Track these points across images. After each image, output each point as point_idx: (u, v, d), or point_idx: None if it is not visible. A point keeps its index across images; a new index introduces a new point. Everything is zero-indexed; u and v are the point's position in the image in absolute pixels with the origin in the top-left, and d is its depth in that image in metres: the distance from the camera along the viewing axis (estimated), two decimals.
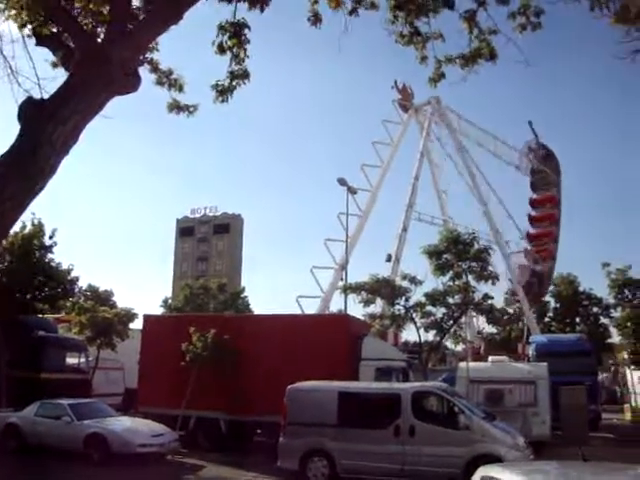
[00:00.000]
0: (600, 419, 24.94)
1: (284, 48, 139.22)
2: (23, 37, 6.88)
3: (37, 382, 20.03)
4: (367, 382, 16.93)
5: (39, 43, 6.81)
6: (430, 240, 25.12)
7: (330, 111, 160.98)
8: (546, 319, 46.83)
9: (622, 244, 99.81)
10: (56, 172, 5.78)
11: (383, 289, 24.66)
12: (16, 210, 5.58)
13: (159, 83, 8.08)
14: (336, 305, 39.42)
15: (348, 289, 25.71)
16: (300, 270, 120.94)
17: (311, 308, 37.68)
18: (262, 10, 7.03)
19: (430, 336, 25.91)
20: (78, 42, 6.48)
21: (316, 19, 7.40)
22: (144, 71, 7.50)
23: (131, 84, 6.38)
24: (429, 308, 24.28)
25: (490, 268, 24.11)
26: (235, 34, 7.08)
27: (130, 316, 25.71)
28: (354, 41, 8.02)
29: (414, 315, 24.41)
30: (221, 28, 7.07)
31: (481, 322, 36.96)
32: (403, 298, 24.50)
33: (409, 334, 32.40)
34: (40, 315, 24.58)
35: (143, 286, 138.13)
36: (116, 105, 6.46)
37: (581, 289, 44.05)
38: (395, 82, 52.94)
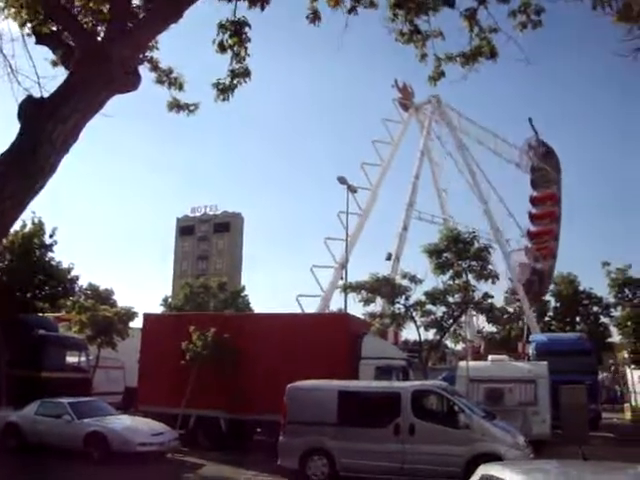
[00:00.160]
0: (600, 418, 24.96)
1: (284, 46, 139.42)
2: (23, 36, 6.88)
3: (37, 381, 20.02)
4: (367, 381, 16.94)
5: (39, 42, 6.80)
6: (430, 239, 25.14)
7: (330, 109, 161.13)
8: (546, 318, 46.78)
9: (622, 243, 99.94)
10: (56, 171, 5.78)
11: (383, 288, 24.66)
12: (16, 209, 5.57)
13: (159, 82, 8.06)
14: (336, 304, 39.42)
15: (348, 288, 25.71)
16: (300, 269, 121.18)
17: (311, 307, 37.72)
18: (262, 9, 7.02)
19: (430, 335, 25.93)
20: (78, 41, 6.47)
21: (315, 17, 7.38)
22: (144, 70, 7.49)
23: (131, 83, 6.37)
24: (429, 307, 24.29)
25: (490, 267, 24.11)
26: (236, 32, 7.07)
27: (130, 315, 25.71)
28: (354, 39, 8.02)
29: (414, 314, 24.41)
30: (221, 27, 7.06)
31: (481, 321, 37.07)
32: (403, 297, 24.50)
33: (409, 333, 32.43)
34: (40, 314, 24.57)
35: (143, 285, 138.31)
36: (116, 104, 6.46)
37: (581, 288, 44.00)
38: (395, 81, 52.97)
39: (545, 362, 20.46)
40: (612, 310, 36.02)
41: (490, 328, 46.53)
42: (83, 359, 23.47)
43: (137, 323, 24.53)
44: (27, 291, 24.08)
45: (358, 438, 13.57)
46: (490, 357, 24.25)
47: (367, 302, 25.13)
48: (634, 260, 34.72)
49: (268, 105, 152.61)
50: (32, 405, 17.15)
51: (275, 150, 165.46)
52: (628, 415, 27.82)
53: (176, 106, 8.06)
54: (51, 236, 24.80)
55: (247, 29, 7.10)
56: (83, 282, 40.32)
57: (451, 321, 24.42)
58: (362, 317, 24.48)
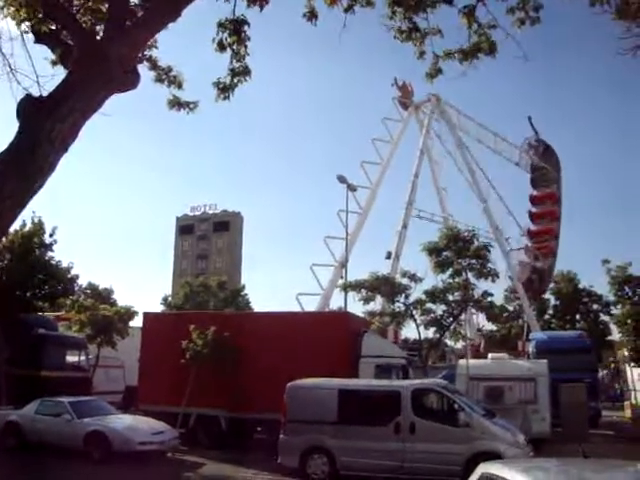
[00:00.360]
0: (600, 416, 24.99)
1: (283, 45, 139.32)
2: (22, 35, 6.86)
3: (37, 380, 20.04)
4: (367, 379, 16.94)
5: (38, 41, 6.78)
6: (430, 237, 25.19)
7: (329, 108, 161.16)
8: (546, 316, 46.83)
9: (622, 241, 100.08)
10: (55, 170, 5.77)
11: (383, 286, 24.67)
12: (15, 208, 5.56)
13: (158, 80, 8.05)
14: (336, 302, 39.47)
15: (348, 286, 25.72)
16: (300, 267, 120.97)
17: (311, 305, 37.76)
18: (261, 8, 7.02)
19: (430, 333, 25.94)
20: (77, 40, 6.45)
21: (312, 15, 7.36)
22: (143, 69, 7.49)
23: (130, 81, 6.36)
24: (429, 305, 24.31)
25: (490, 265, 24.13)
26: (235, 31, 7.06)
27: (130, 314, 25.73)
28: (353, 38, 8.01)
29: (414, 312, 24.43)
30: (221, 25, 7.05)
31: (481, 319, 37.07)
32: (403, 295, 24.52)
33: (409, 331, 32.43)
34: (40, 313, 24.61)
35: (143, 284, 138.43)
36: (115, 103, 6.45)
37: (581, 286, 44.05)
38: (395, 79, 52.97)
39: (545, 360, 20.48)
40: (612, 308, 36.05)
41: (490, 326, 46.65)
42: (83, 358, 23.49)
43: (137, 322, 24.57)
44: (27, 290, 24.10)
45: (358, 436, 13.58)
46: (490, 355, 24.26)
47: (367, 301, 25.16)
48: (634, 258, 34.76)
49: (267, 104, 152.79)
50: (32, 404, 17.15)
51: (274, 149, 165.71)
52: (628, 413, 27.84)
53: (176, 104, 8.04)
54: (51, 235, 24.84)
55: (246, 28, 7.09)
56: (83, 281, 40.44)
57: (451, 319, 24.43)
58: (362, 315, 24.47)
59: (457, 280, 23.74)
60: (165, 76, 8.02)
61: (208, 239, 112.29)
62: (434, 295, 24.00)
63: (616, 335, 33.00)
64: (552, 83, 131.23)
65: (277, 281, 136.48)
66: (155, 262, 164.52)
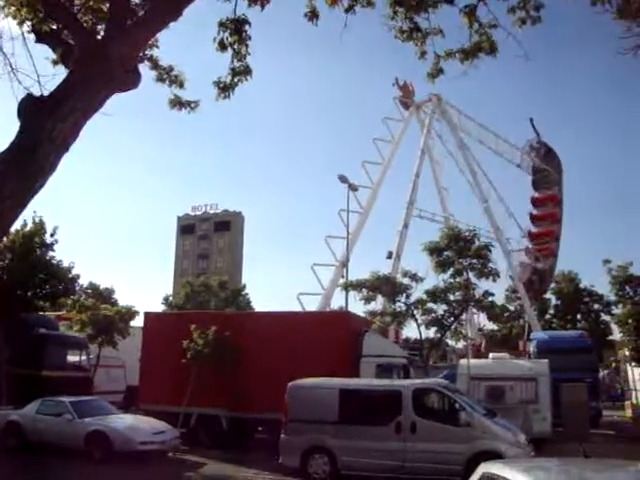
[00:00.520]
0: (601, 416, 24.97)
1: (284, 45, 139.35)
2: (23, 34, 6.87)
3: (38, 380, 20.04)
4: (368, 379, 16.93)
5: (39, 40, 6.79)
6: (431, 237, 25.18)
7: (330, 108, 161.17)
8: (547, 316, 46.81)
9: (623, 241, 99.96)
10: (56, 169, 5.77)
11: (384, 286, 24.68)
12: (16, 208, 5.56)
13: (160, 80, 8.05)
14: (337, 302, 39.50)
15: (349, 286, 25.72)
16: (301, 267, 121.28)
17: (312, 305, 37.78)
18: (262, 7, 7.02)
19: (431, 333, 25.95)
20: (78, 39, 6.46)
21: (313, 15, 7.36)
22: (144, 68, 7.49)
23: (131, 81, 6.36)
24: (430, 305, 24.31)
25: (491, 265, 24.12)
26: (236, 31, 7.06)
27: (131, 314, 25.74)
28: (354, 38, 8.00)
29: (415, 312, 24.43)
30: (221, 25, 7.05)
31: (482, 319, 37.03)
32: (404, 295, 24.53)
33: (410, 331, 32.37)
34: (41, 313, 24.58)
35: (144, 284, 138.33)
36: (116, 102, 6.46)
37: (582, 286, 44.02)
38: (396, 79, 52.98)
39: (546, 360, 20.47)
40: (613, 308, 36.03)
41: (491, 326, 46.62)
42: (84, 358, 23.49)
43: (138, 322, 24.58)
44: (28, 290, 24.07)
45: (359, 436, 13.57)
46: (491, 355, 24.25)
47: (368, 300, 25.17)
48: (635, 257, 34.75)
49: (268, 104, 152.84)
50: (33, 404, 17.15)
51: (275, 149, 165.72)
52: (629, 413, 27.83)
53: (177, 103, 8.04)
54: (52, 235, 24.79)
55: (247, 27, 7.09)
56: (84, 281, 40.50)
57: (452, 319, 24.43)
58: (363, 315, 24.47)
59: (458, 280, 23.74)
60: (166, 76, 8.02)
61: (209, 239, 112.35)
62: (435, 295, 24.01)
63: (617, 335, 33.02)
64: (553, 83, 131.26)
65: (278, 281, 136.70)
66: (156, 262, 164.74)
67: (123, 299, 61.18)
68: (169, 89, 8.03)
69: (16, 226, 22.27)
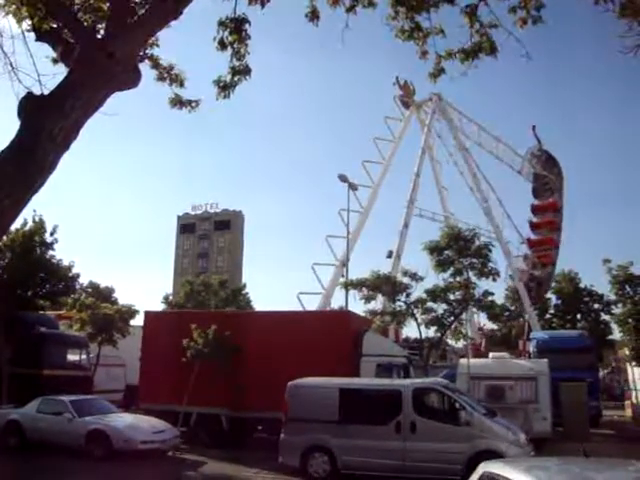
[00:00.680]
0: (601, 415, 24.97)
1: (285, 44, 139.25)
2: (23, 33, 6.86)
3: (38, 378, 20.06)
4: (368, 378, 16.94)
5: (39, 38, 6.78)
6: (431, 236, 25.17)
7: (331, 107, 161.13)
8: (547, 315, 46.73)
9: (624, 241, 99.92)
10: (56, 168, 5.77)
11: (384, 285, 24.68)
12: (16, 207, 5.55)
13: (160, 79, 8.04)
14: (337, 301, 39.47)
15: (349, 285, 25.73)
16: (301, 266, 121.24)
17: (312, 304, 37.79)
18: (263, 6, 7.01)
19: (431, 332, 25.97)
20: (78, 38, 6.45)
21: (314, 15, 7.35)
22: (144, 67, 7.48)
23: (131, 80, 6.36)
24: (430, 304, 24.32)
25: (491, 264, 24.11)
26: (236, 30, 7.05)
27: (131, 313, 25.74)
28: (354, 37, 7.99)
29: (415, 311, 24.44)
30: (221, 24, 7.04)
31: (482, 318, 37.06)
32: (404, 294, 24.54)
33: (410, 330, 32.40)
34: (41, 312, 24.59)
35: (144, 283, 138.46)
36: (117, 101, 6.45)
37: (582, 286, 43.96)
38: (396, 78, 52.96)
39: (546, 359, 20.46)
40: (613, 307, 35.97)
41: (491, 325, 46.59)
42: (84, 357, 23.49)
43: (138, 321, 24.58)
44: (28, 289, 24.08)
45: (359, 435, 13.57)
46: (491, 354, 24.26)
47: (368, 299, 25.17)
48: (635, 257, 34.71)
49: (269, 103, 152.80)
50: (33, 403, 17.16)
51: (276, 148, 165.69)
52: (629, 412, 27.83)
53: (178, 102, 8.03)
54: (52, 234, 24.79)
55: (247, 26, 7.08)
56: (84, 280, 40.37)
57: (452, 318, 24.43)
58: (363, 314, 24.47)
59: (458, 279, 23.75)
60: (166, 75, 8.01)
61: (209, 238, 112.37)
62: (435, 294, 24.01)
63: (617, 335, 33.01)
64: (554, 82, 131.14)
65: (278, 280, 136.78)
66: (156, 261, 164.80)
67: (123, 298, 61.21)
68: (169, 88, 8.03)
69: (16, 225, 22.28)
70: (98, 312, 24.18)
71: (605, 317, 41.02)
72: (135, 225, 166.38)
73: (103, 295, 41.81)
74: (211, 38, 7.15)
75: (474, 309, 26.41)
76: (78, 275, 26.75)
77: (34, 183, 5.56)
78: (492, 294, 25.08)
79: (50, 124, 5.55)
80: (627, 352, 26.68)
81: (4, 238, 20.26)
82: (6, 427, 17.03)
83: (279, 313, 20.83)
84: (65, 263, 25.83)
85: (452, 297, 24.07)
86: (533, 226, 57.16)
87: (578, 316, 43.02)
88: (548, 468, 5.50)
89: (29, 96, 5.85)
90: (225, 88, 7.36)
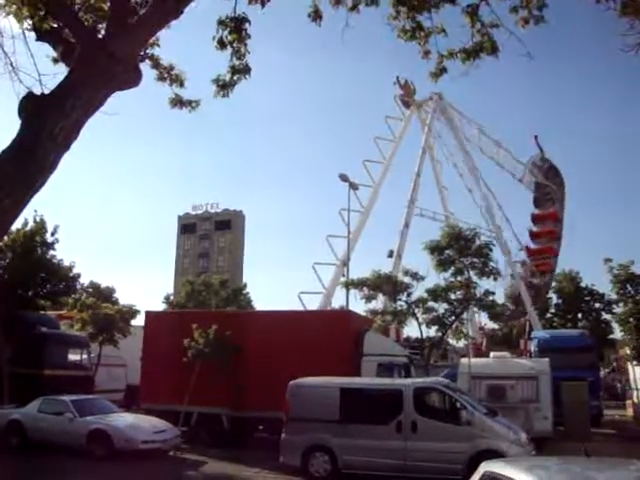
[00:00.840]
0: (602, 415, 24.95)
1: (285, 43, 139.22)
2: (24, 33, 6.87)
3: (40, 378, 20.07)
4: (369, 378, 16.92)
5: (39, 38, 6.78)
6: (432, 236, 25.13)
7: (331, 107, 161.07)
8: (548, 315, 46.72)
9: (625, 240, 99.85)
10: (57, 168, 5.77)
11: (385, 285, 24.66)
12: (16, 207, 5.56)
13: (160, 79, 8.05)
14: (338, 301, 39.48)
15: (350, 285, 25.71)
16: (302, 266, 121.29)
17: (313, 304, 37.81)
18: (263, 5, 7.01)
19: (432, 332, 25.93)
20: (79, 37, 6.45)
21: (316, 15, 7.35)
22: (145, 67, 7.48)
23: (132, 79, 6.36)
24: (431, 304, 24.28)
25: (492, 264, 24.09)
26: (235, 29, 7.05)
27: (132, 313, 25.76)
28: (355, 36, 7.99)
29: (416, 311, 24.41)
30: (221, 23, 7.04)
31: (483, 318, 37.03)
32: (405, 294, 24.51)
33: (411, 330, 32.37)
34: (42, 312, 24.61)
35: (145, 283, 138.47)
36: (117, 101, 6.45)
37: (583, 285, 43.93)
38: (397, 78, 53.01)
39: (547, 359, 20.43)
40: (614, 307, 35.94)
41: (492, 325, 46.58)
42: (85, 357, 23.51)
43: (139, 321, 24.59)
44: (29, 289, 24.10)
45: (360, 435, 13.56)
46: (492, 354, 24.23)
47: (369, 299, 25.14)
48: (637, 256, 34.67)
49: (269, 102, 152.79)
50: (34, 403, 17.16)
51: (276, 147, 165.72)
52: (630, 411, 27.80)
53: (178, 102, 8.05)
54: (53, 234, 24.82)
55: (247, 25, 7.08)
56: (85, 280, 40.38)
57: (453, 318, 24.39)
58: (364, 314, 24.46)
59: (459, 279, 23.72)
60: (167, 75, 8.02)
61: (210, 238, 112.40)
62: (436, 294, 23.98)
63: (618, 334, 32.98)
64: (554, 81, 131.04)
65: (279, 280, 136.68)
66: (157, 261, 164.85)
67: (124, 298, 61.22)
68: (170, 88, 8.03)
69: (17, 225, 22.31)
70: (99, 312, 24.20)
71: (606, 316, 40.99)
72: (136, 225, 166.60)
73: (104, 295, 41.83)
74: (211, 37, 7.15)
75: (475, 308, 26.38)
76: (79, 275, 26.81)
77: (35, 183, 5.57)
78: (493, 293, 25.08)
79: (51, 124, 5.55)
80: (628, 351, 26.66)
81: (5, 238, 20.28)
82: (7, 427, 17.04)
83: (280, 313, 20.82)
84: (66, 263, 25.88)
85: (453, 296, 24.04)
86: (533, 235, 56.97)
87: (579, 315, 42.99)
88: (549, 467, 5.49)
89: (30, 96, 5.85)
90: (224, 87, 7.36)
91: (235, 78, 7.33)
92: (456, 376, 20.17)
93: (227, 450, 17.12)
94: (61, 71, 6.50)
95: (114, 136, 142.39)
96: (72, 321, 25.11)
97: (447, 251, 23.86)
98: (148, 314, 21.87)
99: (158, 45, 7.88)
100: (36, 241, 24.32)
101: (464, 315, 25.42)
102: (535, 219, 57.73)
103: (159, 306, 51.20)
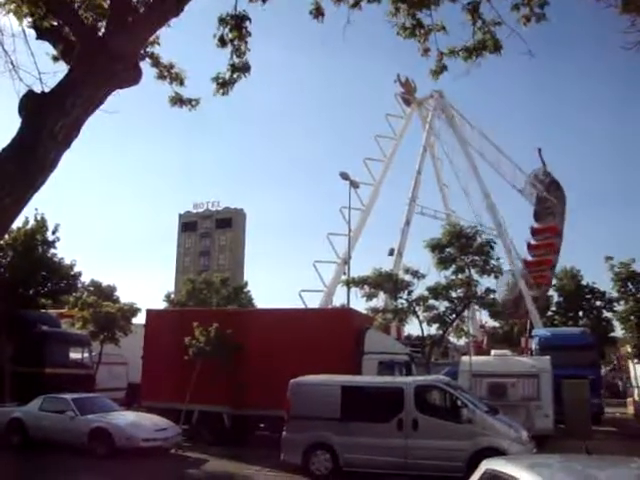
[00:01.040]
0: (603, 413, 24.95)
1: (285, 41, 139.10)
2: (24, 31, 6.86)
3: (41, 377, 20.11)
4: (370, 376, 16.93)
5: (39, 37, 6.78)
6: (433, 234, 25.10)
7: (331, 105, 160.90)
8: (549, 313, 46.75)
9: (626, 238, 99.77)
10: (57, 166, 5.77)
11: (386, 283, 24.64)
12: (17, 205, 5.56)
13: (160, 77, 8.04)
14: (339, 299, 39.53)
15: (351, 283, 25.70)
16: (303, 264, 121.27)
17: (314, 302, 37.81)
18: (264, 2, 7.00)
19: (433, 330, 25.89)
20: (79, 35, 6.45)
21: (318, 12, 7.34)
22: (145, 65, 7.48)
23: (132, 77, 6.36)
24: (432, 302, 24.26)
25: (493, 262, 24.06)
26: (236, 26, 7.05)
27: (133, 311, 25.76)
28: (356, 34, 7.97)
29: (417, 309, 24.39)
30: (222, 21, 7.04)
31: (484, 316, 37.01)
32: (406, 292, 24.49)
33: (412, 328, 32.39)
34: (43, 310, 24.63)
35: (146, 281, 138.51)
36: (117, 99, 6.45)
37: (584, 283, 43.97)
38: (398, 76, 52.98)
39: (548, 357, 20.41)
40: (615, 304, 35.97)
41: (493, 323, 46.59)
42: (86, 355, 23.53)
43: (140, 319, 24.60)
44: (30, 287, 24.14)
45: (361, 433, 13.57)
46: (493, 352, 24.22)
47: (370, 297, 25.13)
48: (638, 254, 34.71)
49: (269, 100, 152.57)
50: (36, 401, 17.18)
51: (277, 145, 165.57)
52: (631, 409, 27.80)
53: (178, 101, 8.04)
54: (54, 232, 24.86)
55: (247, 23, 7.08)
56: (86, 278, 40.54)
57: (454, 316, 24.38)
58: (365, 312, 24.45)
59: (460, 277, 23.71)
60: (167, 73, 8.01)
61: (211, 236, 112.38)
62: (437, 292, 23.96)
63: (619, 332, 33.01)
64: (554, 81, 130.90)
65: (280, 278, 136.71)
66: (158, 259, 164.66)
67: (125, 296, 61.34)
68: (170, 86, 8.03)
69: (17, 223, 22.35)
70: (100, 310, 24.21)
71: (607, 314, 41.05)
72: (136, 223, 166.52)
73: (105, 293, 41.94)
74: (211, 36, 7.15)
75: (476, 306, 26.34)
76: (80, 273, 26.88)
77: (35, 181, 5.56)
78: (494, 292, 25.07)
79: (51, 122, 5.55)
80: (629, 349, 26.68)
81: (6, 236, 20.29)
82: (9, 425, 17.06)
83: (281, 311, 20.83)
84: (67, 261, 25.95)
85: (454, 294, 24.02)
86: (530, 247, 56.77)
87: (580, 313, 43.03)
88: (550, 465, 5.48)
89: (30, 94, 5.85)
90: (224, 85, 7.36)
91: (235, 76, 7.33)
92: (457, 374, 20.15)
93: (228, 448, 17.13)
94: (61, 69, 6.51)
95: (114, 134, 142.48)
96: (73, 319, 25.11)
97: (448, 249, 23.84)
98: (149, 312, 21.89)
99: (158, 43, 7.88)
100: (37, 239, 24.35)
101: (465, 313, 25.41)
102: (534, 232, 57.50)
103: (160, 304, 51.25)
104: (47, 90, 5.93)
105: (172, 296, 54.63)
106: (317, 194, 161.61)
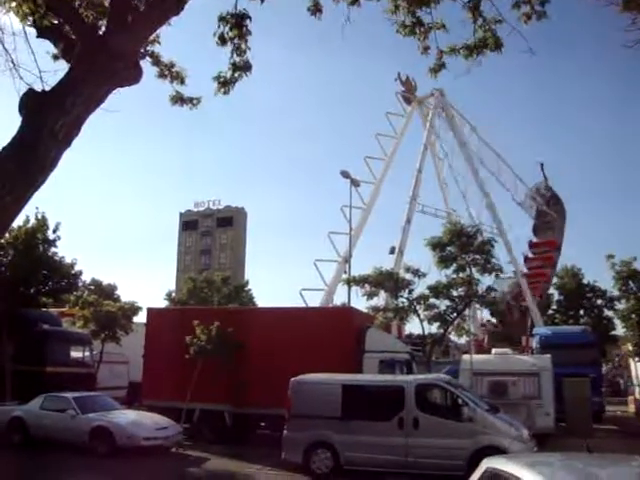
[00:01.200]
0: (604, 411, 24.96)
1: (286, 39, 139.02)
2: (24, 30, 6.86)
3: (42, 376, 20.12)
4: (371, 374, 16.94)
5: (40, 35, 6.78)
6: (433, 232, 25.08)
7: (332, 103, 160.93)
8: (550, 311, 46.71)
9: (627, 237, 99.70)
10: (58, 165, 5.76)
11: (386, 282, 24.62)
12: (17, 204, 5.55)
13: (161, 76, 8.03)
14: (339, 298, 39.53)
15: (351, 282, 25.70)
16: (303, 263, 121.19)
17: (315, 301, 37.79)
18: (262, 0, 6.98)
19: (434, 328, 25.88)
20: (79, 34, 6.45)
21: (316, 9, 7.32)
22: (145, 64, 7.47)
23: (132, 76, 6.36)
24: (433, 300, 24.24)
25: (494, 260, 24.06)
26: (236, 25, 7.03)
27: (134, 310, 25.76)
28: (356, 32, 7.95)
29: (417, 307, 24.37)
30: (222, 19, 7.03)
31: (485, 314, 37.03)
32: (407, 290, 24.47)
33: (413, 326, 32.42)
34: (44, 309, 24.64)
35: (147, 280, 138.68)
36: (118, 98, 6.45)
37: (585, 281, 43.92)
38: (398, 74, 52.92)
39: (549, 355, 20.42)
40: (616, 303, 35.93)
41: (494, 321, 46.57)
42: (87, 354, 23.54)
43: (141, 318, 24.61)
44: (31, 286, 24.15)
45: (362, 432, 13.57)
46: (494, 350, 24.23)
47: (371, 296, 25.12)
48: (638, 253, 34.61)
49: (270, 98, 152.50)
50: (37, 400, 17.20)
51: (277, 144, 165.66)
52: (632, 408, 27.80)
53: (179, 100, 8.03)
54: (54, 231, 24.87)
55: (248, 22, 7.06)
56: (86, 277, 40.52)
57: (455, 315, 24.38)
58: (366, 311, 24.45)
59: (461, 275, 23.70)
60: (167, 72, 8.00)
61: (212, 235, 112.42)
62: (438, 290, 23.95)
63: (620, 330, 32.98)
64: (554, 79, 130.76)
65: (280, 276, 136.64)
66: (159, 258, 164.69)
67: (126, 295, 61.38)
68: (170, 85, 8.02)
69: (18, 222, 22.37)
70: (101, 309, 24.22)
71: (608, 313, 41.01)
72: (137, 222, 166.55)
73: (106, 292, 41.95)
74: (211, 34, 7.13)
75: (477, 305, 26.32)
76: (81, 272, 26.91)
77: (36, 180, 5.56)
78: (495, 290, 25.04)
79: (51, 121, 5.55)
80: (630, 348, 26.66)
81: (6, 235, 20.30)
82: (10, 424, 17.08)
83: (282, 309, 20.84)
84: (67, 260, 25.97)
85: (455, 293, 24.01)
86: (527, 260, 56.60)
87: (581, 312, 42.98)
88: (551, 464, 5.48)
89: (30, 93, 5.84)
90: (225, 84, 7.34)
91: (236, 75, 7.31)
92: (458, 373, 20.18)
93: (229, 447, 17.15)
94: (62, 68, 6.50)
95: (115, 133, 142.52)
96: (74, 318, 25.12)
97: (449, 248, 23.83)
98: (150, 311, 21.91)
99: (159, 42, 7.86)
100: (37, 238, 24.35)
101: (466, 312, 25.40)
102: (532, 246, 57.35)
103: (161, 303, 51.23)
104: (47, 89, 5.93)
105: (173, 295, 54.63)
106: (318, 193, 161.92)
